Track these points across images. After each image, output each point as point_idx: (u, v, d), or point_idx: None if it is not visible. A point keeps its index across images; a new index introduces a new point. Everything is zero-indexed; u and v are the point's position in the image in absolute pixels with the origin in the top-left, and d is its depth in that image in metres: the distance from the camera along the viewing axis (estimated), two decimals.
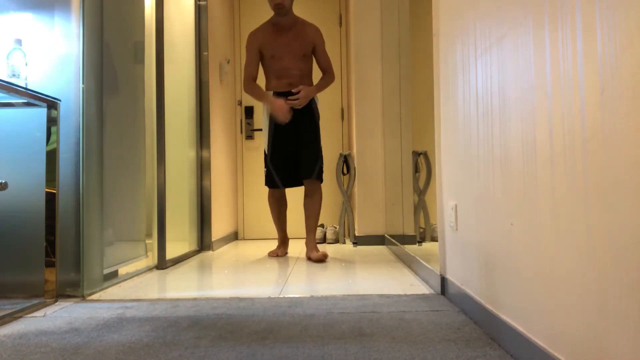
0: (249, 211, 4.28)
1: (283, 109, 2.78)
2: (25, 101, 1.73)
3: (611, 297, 0.76)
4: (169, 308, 1.65)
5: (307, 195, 2.96)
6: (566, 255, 0.90)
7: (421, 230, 3.54)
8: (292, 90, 2.87)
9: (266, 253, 3.21)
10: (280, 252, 3.09)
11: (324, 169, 3.03)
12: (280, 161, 2.95)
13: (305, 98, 2.85)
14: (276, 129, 2.92)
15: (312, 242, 2.91)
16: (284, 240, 3.18)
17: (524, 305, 1.09)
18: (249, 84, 2.90)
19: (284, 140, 2.93)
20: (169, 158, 2.80)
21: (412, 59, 3.66)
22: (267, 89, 2.98)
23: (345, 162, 3.73)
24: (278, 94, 2.92)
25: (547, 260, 0.97)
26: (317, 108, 3.00)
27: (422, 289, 1.92)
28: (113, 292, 1.96)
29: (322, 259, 2.77)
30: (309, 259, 2.84)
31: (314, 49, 2.97)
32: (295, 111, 2.89)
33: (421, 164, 3.55)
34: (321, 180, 2.95)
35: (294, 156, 2.95)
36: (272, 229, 3.06)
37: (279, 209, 3.09)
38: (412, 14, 3.63)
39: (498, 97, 1.23)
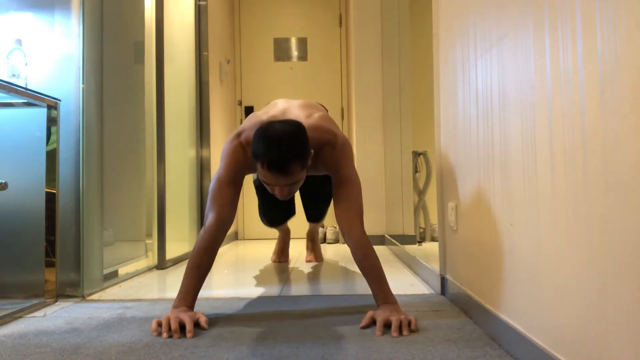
0: (249, 211, 4.28)
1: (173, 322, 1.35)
2: (25, 101, 1.73)
3: (611, 297, 0.76)
4: (169, 308, 1.65)
5: None
6: (566, 255, 0.90)
7: (421, 230, 3.54)
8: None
9: (267, 253, 3.20)
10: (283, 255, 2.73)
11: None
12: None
13: None
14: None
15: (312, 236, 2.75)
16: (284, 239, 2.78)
17: (524, 305, 1.09)
18: (209, 238, 1.52)
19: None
20: (169, 158, 2.80)
21: (412, 59, 3.66)
22: None
23: None
24: None
25: (547, 260, 0.97)
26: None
27: (422, 289, 1.92)
28: (113, 292, 1.96)
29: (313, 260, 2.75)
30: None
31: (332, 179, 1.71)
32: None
33: (421, 164, 3.55)
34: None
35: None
36: (273, 229, 2.87)
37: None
38: (412, 14, 3.63)
39: (498, 97, 1.23)
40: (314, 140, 1.63)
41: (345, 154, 1.68)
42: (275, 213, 2.48)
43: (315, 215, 2.54)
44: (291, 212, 2.54)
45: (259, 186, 2.42)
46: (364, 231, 1.57)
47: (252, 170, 1.65)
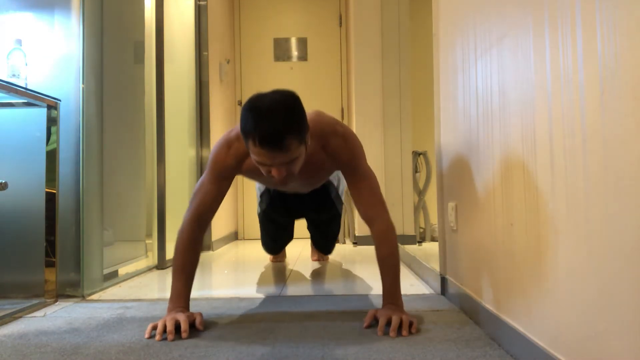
0: (249, 211, 4.28)
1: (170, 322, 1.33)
2: (25, 101, 1.73)
3: (611, 297, 0.76)
4: None
5: None
6: (566, 255, 0.90)
7: (421, 230, 3.54)
8: None
9: (266, 253, 3.17)
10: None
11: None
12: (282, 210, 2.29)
13: None
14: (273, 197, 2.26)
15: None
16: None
17: (524, 305, 1.09)
18: (187, 237, 1.47)
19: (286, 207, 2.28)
20: (169, 158, 2.80)
21: (412, 58, 3.66)
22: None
23: None
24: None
25: (547, 260, 0.97)
26: (336, 191, 2.27)
27: (422, 288, 1.92)
28: (113, 292, 1.96)
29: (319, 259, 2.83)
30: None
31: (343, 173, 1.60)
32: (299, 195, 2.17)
33: (421, 164, 3.55)
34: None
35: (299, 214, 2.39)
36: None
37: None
38: (412, 14, 3.63)
39: (498, 97, 1.23)
40: (318, 130, 1.48)
41: (357, 146, 1.57)
42: (274, 244, 2.60)
43: (326, 249, 2.74)
44: (290, 238, 2.60)
45: (262, 220, 2.42)
46: (391, 223, 1.48)
47: (240, 168, 1.52)
